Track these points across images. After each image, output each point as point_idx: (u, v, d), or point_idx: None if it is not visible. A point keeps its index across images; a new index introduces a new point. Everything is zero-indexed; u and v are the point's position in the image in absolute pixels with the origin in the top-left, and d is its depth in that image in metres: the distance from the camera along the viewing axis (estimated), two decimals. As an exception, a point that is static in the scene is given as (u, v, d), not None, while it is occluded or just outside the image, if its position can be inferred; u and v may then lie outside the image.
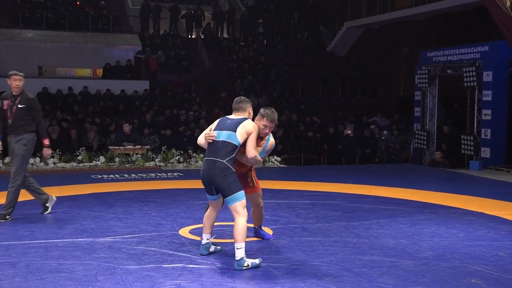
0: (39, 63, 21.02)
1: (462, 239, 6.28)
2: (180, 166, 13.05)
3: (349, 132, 15.46)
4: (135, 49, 21.89)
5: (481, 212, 7.75)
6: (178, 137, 14.79)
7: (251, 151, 5.20)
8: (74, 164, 12.74)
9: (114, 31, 22.63)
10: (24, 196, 8.56)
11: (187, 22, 23.64)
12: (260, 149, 5.44)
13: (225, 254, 5.51)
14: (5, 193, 7.15)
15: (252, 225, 6.24)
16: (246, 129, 5.20)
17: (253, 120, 5.41)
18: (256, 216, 6.04)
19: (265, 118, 5.38)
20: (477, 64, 13.45)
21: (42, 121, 7.34)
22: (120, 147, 13.30)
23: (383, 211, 7.73)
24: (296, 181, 10.60)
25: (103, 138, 14.36)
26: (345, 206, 8.08)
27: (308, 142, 15.45)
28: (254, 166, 5.75)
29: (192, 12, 23.54)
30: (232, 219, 5.17)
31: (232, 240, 5.84)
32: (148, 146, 13.73)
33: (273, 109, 5.49)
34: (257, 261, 5.07)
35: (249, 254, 5.54)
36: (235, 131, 5.18)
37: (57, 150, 12.87)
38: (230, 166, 5.13)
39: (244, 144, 5.22)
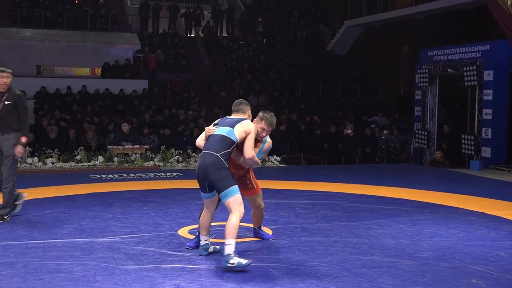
0: (37, 62, 20.99)
1: (463, 239, 6.26)
2: (179, 166, 13.01)
3: (349, 131, 15.43)
4: (134, 48, 21.87)
5: (482, 212, 7.72)
6: (177, 136, 14.75)
7: (249, 152, 5.19)
8: (73, 163, 12.70)
9: (112, 30, 22.60)
10: (22, 195, 8.53)
11: (186, 21, 23.61)
12: (257, 150, 5.43)
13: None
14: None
15: (251, 225, 6.21)
16: (245, 128, 5.20)
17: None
18: (256, 217, 6.02)
19: (263, 121, 5.40)
20: (478, 63, 13.42)
21: (27, 119, 7.15)
22: (119, 146, 13.27)
23: (383, 211, 7.71)
24: (296, 181, 10.57)
25: (102, 138, 14.33)
26: (345, 206, 8.05)
27: (309, 141, 15.43)
28: (252, 168, 5.72)
29: (191, 11, 23.51)
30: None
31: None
32: (147, 146, 13.71)
33: (272, 113, 5.51)
34: (244, 261, 4.91)
35: (248, 254, 5.51)
36: (233, 128, 5.21)
37: (56, 150, 12.83)
38: (224, 161, 5.11)
39: (241, 144, 5.21)
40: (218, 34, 23.93)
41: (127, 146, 13.31)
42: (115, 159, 12.92)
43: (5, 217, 6.90)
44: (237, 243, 5.41)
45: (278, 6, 26.54)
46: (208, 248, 5.44)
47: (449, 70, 14.53)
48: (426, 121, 15.19)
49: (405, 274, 4.98)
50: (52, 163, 12.59)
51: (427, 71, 14.82)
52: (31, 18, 21.61)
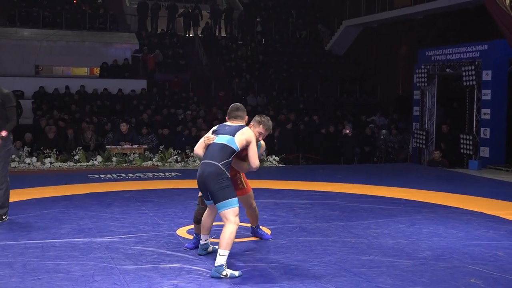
0: (35, 62, 20.97)
1: (461, 238, 6.26)
2: (178, 166, 13.00)
3: (347, 131, 15.44)
4: (133, 48, 21.85)
5: (480, 212, 7.73)
6: (176, 136, 14.74)
7: (256, 161, 5.17)
8: (71, 163, 12.69)
9: (111, 29, 22.58)
10: (21, 196, 8.54)
11: (184, 21, 23.59)
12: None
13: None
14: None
15: (249, 225, 6.21)
16: (246, 136, 5.15)
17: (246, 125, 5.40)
18: (252, 216, 6.01)
19: (261, 126, 5.39)
20: (477, 63, 13.42)
21: (14, 118, 7.07)
22: (118, 146, 13.26)
23: (382, 211, 7.71)
24: (294, 181, 10.57)
25: (100, 138, 14.31)
26: (344, 206, 8.05)
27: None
28: None
29: (190, 10, 23.48)
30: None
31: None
32: (146, 146, 13.70)
33: (268, 117, 5.52)
34: (236, 273, 4.83)
35: (246, 254, 5.52)
36: (233, 136, 5.14)
37: (54, 150, 12.82)
38: (225, 171, 5.03)
39: (240, 151, 5.18)
40: (217, 34, 23.92)
41: (125, 146, 13.30)
42: (114, 159, 12.91)
43: (3, 217, 6.89)
44: (235, 243, 5.42)
45: (276, 6, 26.53)
46: (208, 248, 5.44)
47: (447, 70, 14.53)
48: (425, 121, 15.20)
49: (403, 274, 4.98)
50: (51, 163, 12.58)
51: (425, 71, 14.82)
52: (29, 18, 21.58)
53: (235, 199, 5.01)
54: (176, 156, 13.25)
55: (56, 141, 13.44)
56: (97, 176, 11.06)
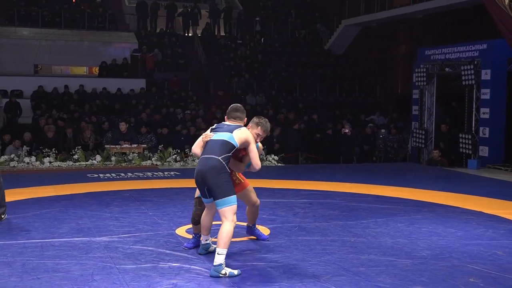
0: (34, 61, 20.95)
1: (460, 238, 6.27)
2: (177, 165, 13.00)
3: (346, 131, 15.44)
4: (131, 47, 21.83)
5: (479, 211, 7.73)
6: (175, 136, 14.74)
7: (258, 162, 5.17)
8: (70, 163, 12.68)
9: (110, 29, 22.56)
10: (20, 195, 8.54)
11: (183, 20, 23.57)
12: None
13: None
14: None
15: (245, 224, 6.18)
16: (245, 136, 5.15)
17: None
18: (252, 214, 5.95)
19: (259, 127, 5.38)
20: (476, 62, 13.42)
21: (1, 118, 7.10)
22: (117, 146, 13.25)
23: (381, 210, 7.71)
24: (293, 180, 10.57)
25: (100, 137, 14.30)
26: (343, 205, 8.05)
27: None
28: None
29: (189, 10, 23.47)
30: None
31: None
32: (145, 145, 13.69)
33: (266, 119, 5.50)
34: (235, 272, 4.84)
35: (245, 253, 5.51)
36: (232, 133, 5.14)
37: (53, 149, 12.82)
38: (225, 165, 5.03)
39: (236, 150, 5.18)
40: (216, 33, 23.91)
41: (124, 145, 13.30)
42: (113, 158, 12.90)
43: (2, 216, 6.89)
44: (235, 242, 5.42)
45: (275, 5, 26.52)
46: (209, 248, 5.43)
47: (446, 69, 14.52)
48: (424, 120, 15.20)
49: (403, 273, 4.98)
50: (50, 162, 12.56)
51: (424, 70, 14.82)
52: (28, 17, 21.56)
53: (234, 196, 5.00)
54: (175, 155, 13.25)
55: (55, 140, 13.44)
56: (96, 175, 11.06)
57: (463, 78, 13.56)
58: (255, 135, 5.34)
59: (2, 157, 12.56)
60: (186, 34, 23.89)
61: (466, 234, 6.45)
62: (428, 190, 9.55)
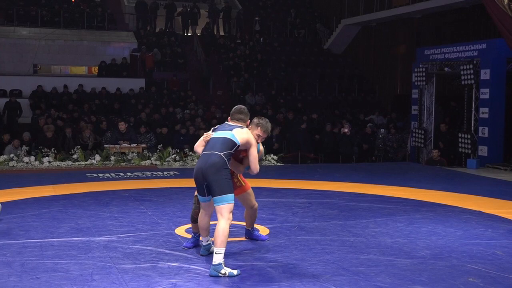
0: (33, 61, 20.93)
1: (460, 237, 6.26)
2: (176, 165, 12.99)
3: (346, 130, 15.44)
4: (131, 46, 21.82)
5: (479, 211, 7.73)
6: (174, 135, 14.74)
7: (257, 166, 5.18)
8: (70, 162, 12.68)
9: (109, 28, 22.55)
10: (19, 195, 8.54)
11: (183, 20, 23.57)
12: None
13: (226, 253, 5.46)
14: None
15: (244, 223, 6.17)
16: (247, 136, 5.16)
17: None
18: (250, 217, 5.92)
19: (259, 128, 5.36)
20: (475, 62, 13.42)
21: None
22: (116, 145, 13.24)
23: (380, 210, 7.71)
24: (293, 180, 10.56)
25: (99, 137, 14.30)
26: (342, 205, 8.05)
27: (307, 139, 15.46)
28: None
29: (188, 9, 23.46)
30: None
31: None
32: (144, 145, 13.68)
33: (267, 119, 5.48)
34: (235, 272, 4.83)
35: (245, 253, 5.51)
36: (232, 131, 5.15)
37: (52, 149, 12.81)
38: (226, 161, 5.03)
39: (238, 148, 5.18)
40: (215, 33, 23.91)
41: (124, 145, 13.29)
42: (112, 158, 12.90)
43: None
44: (234, 242, 5.41)
45: (275, 4, 26.51)
46: (210, 248, 5.40)
47: (446, 68, 14.52)
48: (423, 120, 15.20)
49: (402, 272, 4.98)
50: (49, 162, 12.56)
51: (424, 69, 14.82)
52: (27, 17, 21.55)
53: (232, 195, 5.00)
54: (175, 155, 13.24)
55: (55, 140, 13.43)
56: (95, 175, 11.05)
57: (462, 77, 13.56)
58: (256, 136, 5.33)
59: (1, 156, 12.56)
60: (186, 34, 23.88)
61: (466, 233, 6.45)
62: (427, 189, 9.55)
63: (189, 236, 5.98)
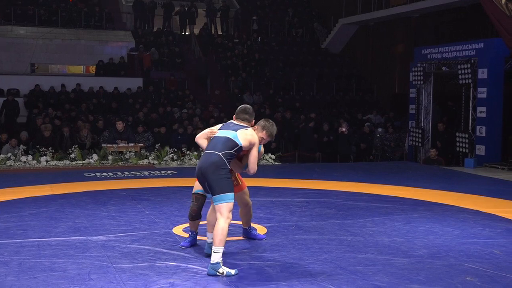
0: (31, 60, 20.88)
1: (457, 236, 6.27)
2: (174, 164, 12.99)
3: (343, 129, 15.44)
4: (128, 46, 21.78)
5: (476, 210, 7.74)
6: (172, 135, 14.73)
7: (255, 166, 5.18)
8: (67, 162, 12.66)
9: (107, 28, 22.50)
10: (16, 194, 8.52)
11: (180, 19, 23.55)
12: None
13: (224, 252, 5.45)
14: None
15: (241, 223, 6.16)
16: (251, 138, 5.15)
17: None
18: (245, 216, 5.92)
19: (264, 131, 5.36)
20: (472, 61, 13.44)
21: None
22: (113, 145, 13.23)
23: (378, 209, 7.72)
24: (290, 179, 10.56)
25: (96, 136, 14.28)
26: (340, 204, 8.05)
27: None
28: None
29: (186, 9, 23.44)
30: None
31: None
32: (142, 144, 13.67)
33: (273, 122, 5.47)
34: (232, 271, 4.83)
35: (242, 253, 5.51)
36: (236, 132, 5.14)
37: (50, 148, 12.79)
38: (226, 162, 5.02)
39: (240, 149, 5.16)
40: (213, 32, 23.89)
41: (121, 144, 13.28)
42: (110, 157, 12.89)
43: None
44: (232, 241, 5.40)
45: (272, 4, 26.50)
46: None
47: (443, 68, 14.54)
48: (421, 119, 15.22)
49: (399, 272, 4.98)
50: (47, 161, 12.54)
51: (421, 69, 14.84)
52: (25, 16, 21.50)
53: (232, 194, 4.99)
54: (172, 154, 13.24)
55: (52, 139, 13.42)
56: (93, 174, 11.04)
57: (460, 77, 13.58)
58: (260, 138, 5.32)
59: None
60: (183, 33, 23.86)
61: (463, 232, 6.46)
62: (425, 189, 9.56)
63: (186, 235, 5.97)
